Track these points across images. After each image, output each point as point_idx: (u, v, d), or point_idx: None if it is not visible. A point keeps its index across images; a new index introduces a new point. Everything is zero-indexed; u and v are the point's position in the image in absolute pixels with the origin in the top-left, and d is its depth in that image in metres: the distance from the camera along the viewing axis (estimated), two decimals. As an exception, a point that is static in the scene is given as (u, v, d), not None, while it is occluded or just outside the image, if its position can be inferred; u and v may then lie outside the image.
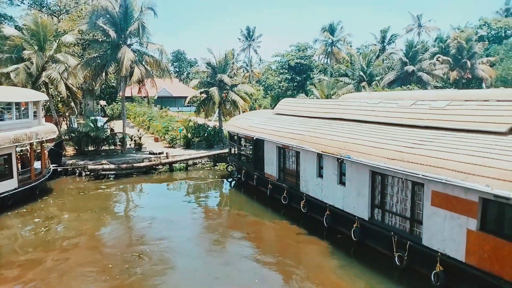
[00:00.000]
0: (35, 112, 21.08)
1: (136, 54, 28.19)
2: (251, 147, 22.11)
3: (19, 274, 11.83)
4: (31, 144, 20.32)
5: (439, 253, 10.33)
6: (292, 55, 62.45)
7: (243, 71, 66.78)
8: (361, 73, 46.55)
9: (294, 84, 61.87)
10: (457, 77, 45.48)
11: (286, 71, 62.89)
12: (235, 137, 24.39)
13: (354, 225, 13.52)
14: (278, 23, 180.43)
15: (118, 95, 49.38)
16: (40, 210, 18.28)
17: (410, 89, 38.38)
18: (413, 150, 11.21)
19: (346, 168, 13.96)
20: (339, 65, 60.60)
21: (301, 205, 16.72)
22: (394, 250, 11.75)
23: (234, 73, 35.32)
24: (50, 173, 22.27)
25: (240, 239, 15.10)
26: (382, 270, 11.85)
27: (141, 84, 29.47)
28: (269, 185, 19.64)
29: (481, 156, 9.44)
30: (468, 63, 43.69)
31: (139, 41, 29.06)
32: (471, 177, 9.14)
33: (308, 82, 59.96)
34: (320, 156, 15.52)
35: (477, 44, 45.69)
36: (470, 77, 47.11)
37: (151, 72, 29.66)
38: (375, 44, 56.97)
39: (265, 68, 76.03)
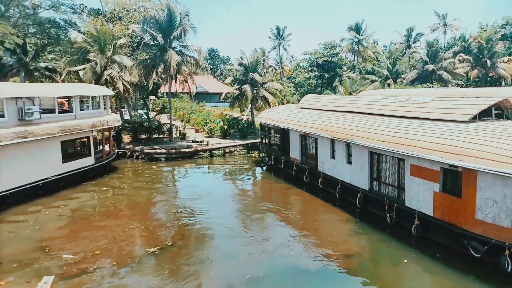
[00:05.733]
0: (104, 104, 26.06)
1: (179, 56, 32.89)
2: (279, 136, 26.13)
3: (97, 224, 16.25)
4: (103, 130, 25.32)
5: (416, 211, 13.93)
6: (320, 53, 65.40)
7: (273, 70, 70.40)
8: (386, 71, 49.19)
9: (323, 81, 64.79)
10: (479, 75, 47.15)
11: (315, 68, 65.97)
12: (266, 128, 28.51)
13: (359, 195, 17.25)
14: (308, 20, 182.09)
15: (159, 91, 54.79)
16: (107, 182, 23.05)
17: (430, 87, 40.89)
18: (397, 134, 14.85)
19: (352, 150, 17.72)
20: (365, 63, 63.14)
21: (319, 182, 20.56)
22: (386, 212, 15.43)
23: (264, 71, 39.30)
24: (115, 154, 27.28)
25: (273, 210, 18.49)
26: (378, 228, 15.42)
27: (184, 82, 34.27)
28: (294, 167, 23.61)
29: (439, 137, 13.02)
30: (488, 62, 45.35)
31: (181, 44, 33.91)
32: (433, 152, 12.75)
33: (336, 79, 62.69)
34: (333, 141, 19.31)
35: (498, 44, 47.04)
36: (493, 75, 48.52)
37: (191, 70, 34.40)
38: (400, 43, 59.15)
39: (294, 65, 79.27)
